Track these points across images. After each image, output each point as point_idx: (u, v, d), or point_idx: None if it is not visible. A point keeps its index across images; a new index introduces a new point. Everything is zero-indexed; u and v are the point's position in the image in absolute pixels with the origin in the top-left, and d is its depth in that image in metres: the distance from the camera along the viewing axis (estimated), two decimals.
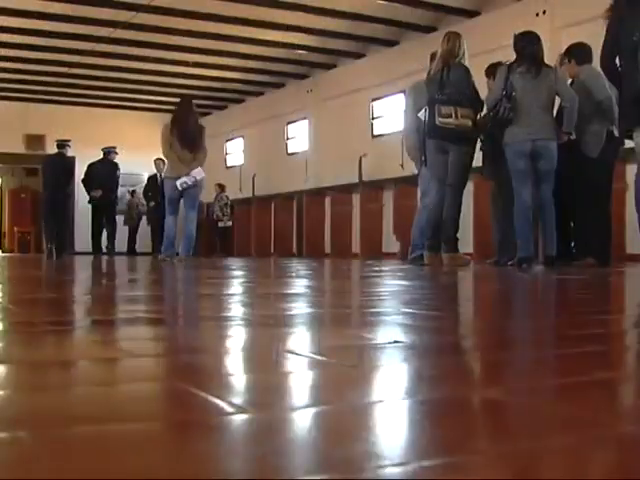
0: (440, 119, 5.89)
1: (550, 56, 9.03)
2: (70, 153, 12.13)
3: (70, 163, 12.29)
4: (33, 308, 2.28)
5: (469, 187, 9.82)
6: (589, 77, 5.96)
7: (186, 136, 7.49)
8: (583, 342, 1.39)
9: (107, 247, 12.33)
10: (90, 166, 12.77)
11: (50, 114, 16.69)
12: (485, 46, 9.96)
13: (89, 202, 12.66)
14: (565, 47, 6.53)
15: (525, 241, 5.70)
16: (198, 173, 7.72)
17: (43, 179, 12.39)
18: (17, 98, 16.33)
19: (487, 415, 0.81)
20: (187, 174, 7.61)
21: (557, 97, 6.00)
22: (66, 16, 10.94)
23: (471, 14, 10.88)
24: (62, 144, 11.87)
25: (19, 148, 17.10)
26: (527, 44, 5.92)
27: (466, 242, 9.27)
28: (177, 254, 8.04)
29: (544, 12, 9.66)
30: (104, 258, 10.72)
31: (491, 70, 6.45)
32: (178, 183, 7.64)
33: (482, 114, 6.18)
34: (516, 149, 5.78)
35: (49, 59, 13.49)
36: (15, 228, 21.04)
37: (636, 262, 7.65)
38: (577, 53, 6.20)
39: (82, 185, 12.98)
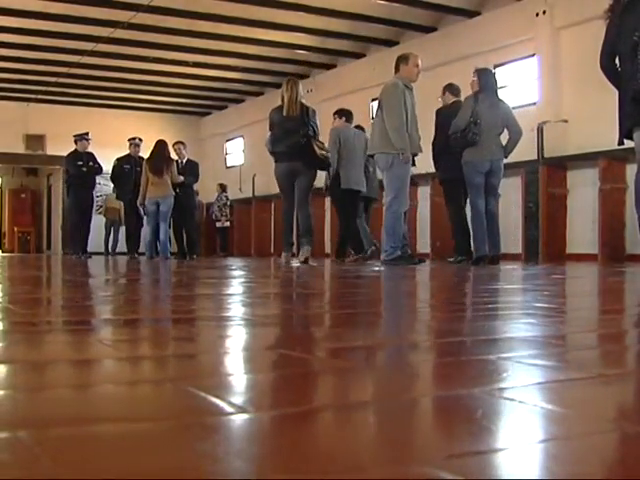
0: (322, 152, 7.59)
1: (550, 55, 9.05)
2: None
3: None
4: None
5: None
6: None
7: (156, 169, 10.40)
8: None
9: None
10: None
11: (50, 114, 16.68)
12: (485, 46, 9.95)
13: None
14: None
15: (481, 243, 6.72)
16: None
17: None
18: (17, 98, 16.31)
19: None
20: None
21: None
22: (66, 16, 10.94)
23: (471, 14, 10.87)
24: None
25: (19, 148, 17.09)
26: (488, 79, 6.89)
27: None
28: (157, 254, 10.40)
29: (544, 12, 9.65)
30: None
31: (446, 88, 7.54)
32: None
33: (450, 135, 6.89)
34: (477, 167, 6.73)
35: (49, 59, 13.48)
36: (15, 228, 21.05)
37: (636, 262, 7.62)
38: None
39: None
